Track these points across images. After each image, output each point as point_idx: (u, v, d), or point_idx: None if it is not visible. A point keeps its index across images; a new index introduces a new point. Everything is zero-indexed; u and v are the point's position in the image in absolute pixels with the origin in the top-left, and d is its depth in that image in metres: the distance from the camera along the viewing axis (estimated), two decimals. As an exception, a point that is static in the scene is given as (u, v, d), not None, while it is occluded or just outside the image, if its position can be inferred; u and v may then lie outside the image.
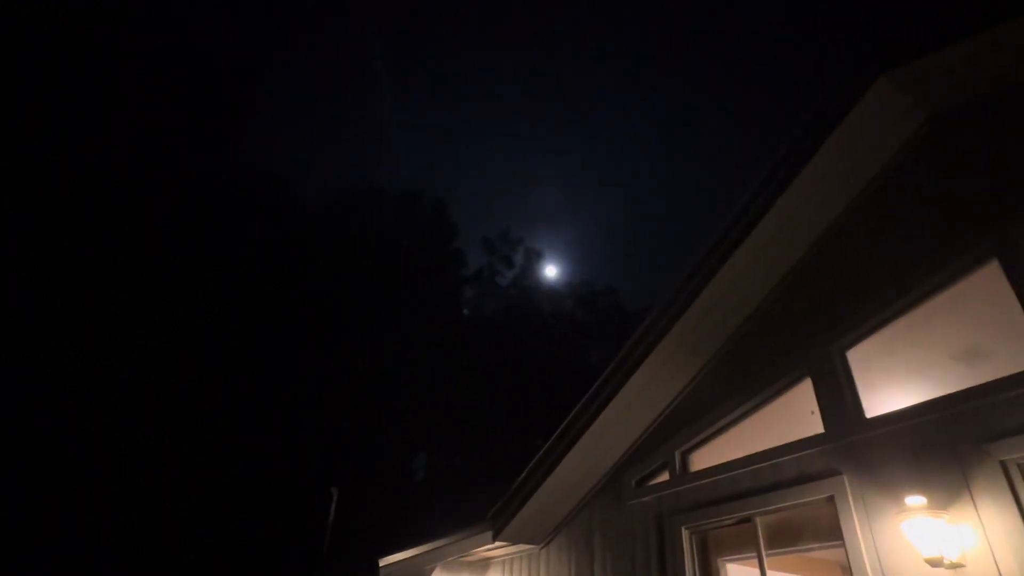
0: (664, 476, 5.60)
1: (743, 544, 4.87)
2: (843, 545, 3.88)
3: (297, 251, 28.70)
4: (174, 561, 19.44)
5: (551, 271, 42.02)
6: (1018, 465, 3.27)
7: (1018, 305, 3.54)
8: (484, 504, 6.70)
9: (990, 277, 3.78)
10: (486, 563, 7.42)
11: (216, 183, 27.15)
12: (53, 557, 17.99)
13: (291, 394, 25.19)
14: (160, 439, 20.77)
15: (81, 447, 19.55)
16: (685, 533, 5.07)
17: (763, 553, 4.46)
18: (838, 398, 4.31)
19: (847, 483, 4.02)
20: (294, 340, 26.30)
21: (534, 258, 40.51)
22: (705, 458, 5.37)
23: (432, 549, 7.04)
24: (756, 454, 4.75)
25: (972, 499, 3.37)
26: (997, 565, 3.17)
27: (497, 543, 6.53)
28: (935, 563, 3.30)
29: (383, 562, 7.25)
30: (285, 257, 27.87)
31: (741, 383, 5.15)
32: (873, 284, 4.39)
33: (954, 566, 3.28)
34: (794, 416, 4.73)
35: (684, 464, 5.49)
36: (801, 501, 4.29)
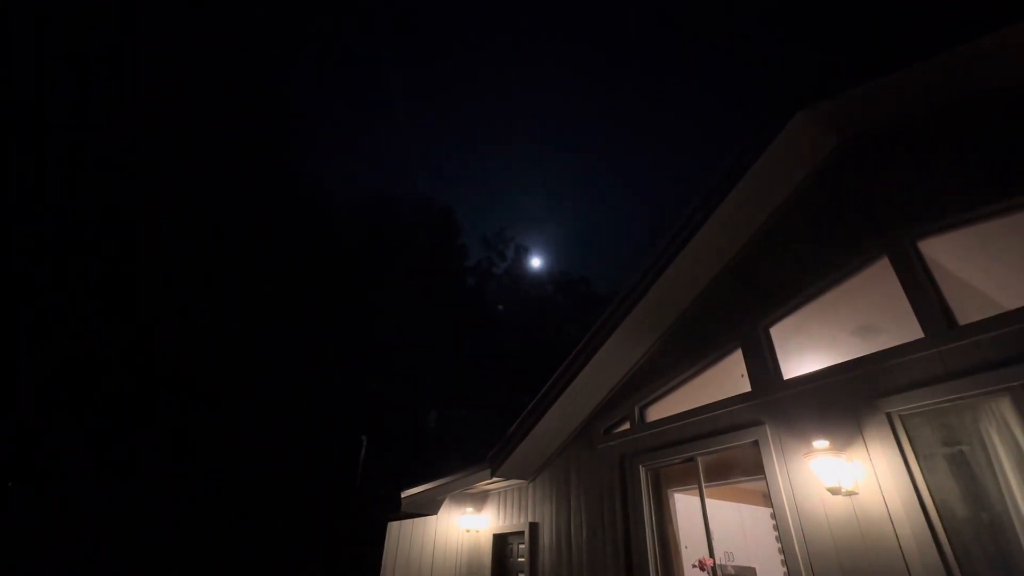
0: (626, 426, 5.67)
1: (688, 479, 4.99)
2: (764, 479, 3.99)
3: (336, 242, 28.67)
4: (236, 490, 19.43)
5: (536, 262, 42.00)
6: (899, 416, 3.37)
7: (902, 292, 3.62)
8: (484, 448, 6.77)
9: (882, 271, 3.85)
10: (485, 494, 7.52)
11: (276, 188, 26.98)
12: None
13: (327, 360, 25.19)
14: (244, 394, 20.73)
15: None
16: (642, 471, 5.17)
17: (703, 485, 4.57)
18: (762, 364, 4.39)
19: (768, 431, 4.11)
20: (333, 314, 26.26)
21: (523, 252, 40.51)
22: (658, 411, 5.44)
23: (442, 484, 7.10)
24: (698, 408, 4.83)
25: (864, 442, 3.47)
26: (882, 493, 3.29)
27: (494, 479, 6.61)
28: (834, 491, 3.42)
29: (404, 494, 7.32)
30: (327, 246, 27.82)
31: (687, 352, 5.22)
32: (789, 276, 4.45)
33: (849, 493, 3.40)
34: (728, 378, 4.80)
35: (642, 416, 5.57)
36: (733, 445, 4.38)
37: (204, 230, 22.66)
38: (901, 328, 3.61)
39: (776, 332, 4.50)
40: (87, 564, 15.35)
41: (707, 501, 4.48)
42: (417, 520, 7.55)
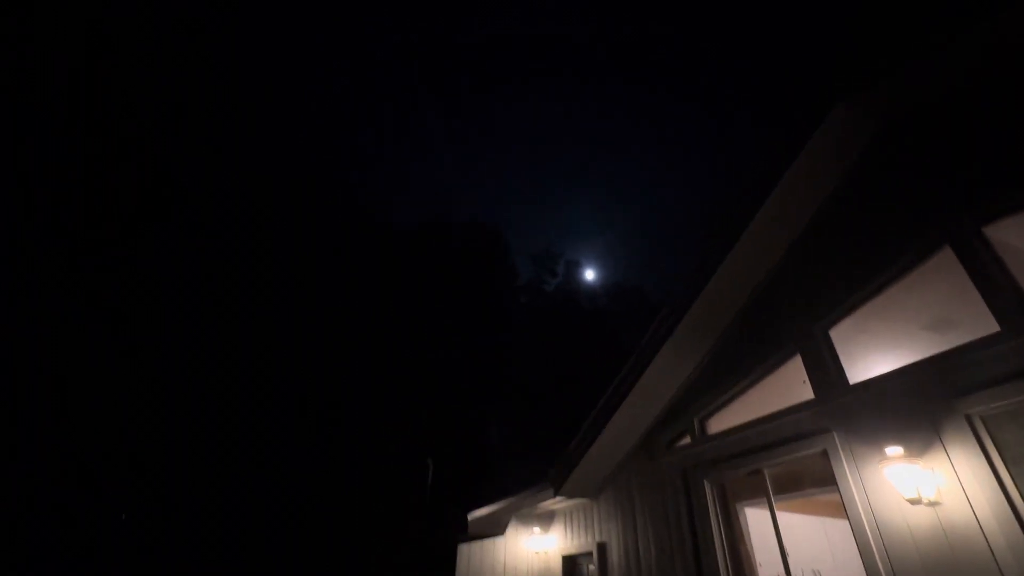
0: (687, 439, 5.55)
1: (756, 492, 4.80)
2: (838, 490, 3.81)
3: (394, 269, 30.15)
4: (305, 521, 20.28)
5: (589, 275, 41.67)
6: (980, 417, 3.14)
7: (970, 282, 3.40)
8: (546, 464, 6.78)
9: (946, 260, 3.63)
10: (551, 514, 7.50)
11: (336, 218, 29.02)
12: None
13: (393, 384, 26.11)
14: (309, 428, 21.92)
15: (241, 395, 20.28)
16: (707, 485, 5.03)
17: (771, 499, 4.39)
18: (824, 368, 4.21)
19: (837, 439, 3.92)
20: (396, 341, 27.36)
21: (572, 267, 40.38)
22: (719, 422, 5.29)
23: (507, 504, 7.18)
24: (760, 418, 4.67)
25: (944, 447, 3.25)
26: (969, 501, 3.06)
27: (558, 497, 6.61)
28: (915, 502, 3.22)
29: (471, 516, 7.46)
30: (386, 273, 29.29)
31: (743, 360, 5.07)
32: (843, 274, 4.27)
33: (931, 503, 3.19)
34: (790, 385, 4.61)
35: (702, 428, 5.44)
36: (800, 455, 4.21)
37: (272, 265, 24.52)
38: (976, 321, 3.38)
39: (836, 334, 4.31)
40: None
41: (786, 515, 4.33)
42: (486, 541, 7.65)
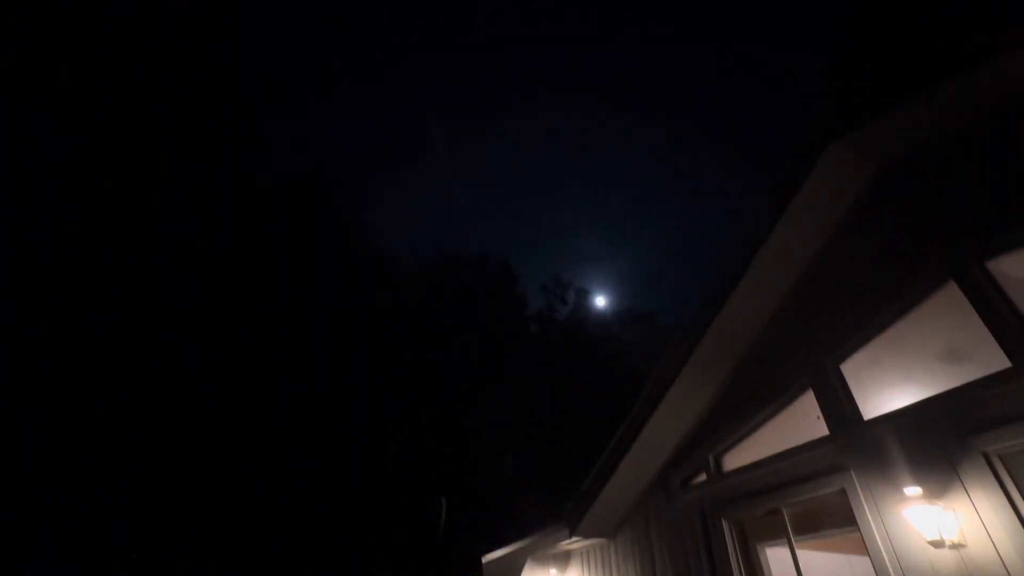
0: (703, 476, 5.47)
1: (777, 532, 4.69)
2: (859, 530, 3.73)
3: (403, 305, 30.30)
4: (313, 559, 19.82)
5: (600, 301, 41.53)
6: (998, 455, 3.10)
7: (977, 317, 3.40)
8: (562, 499, 6.68)
9: (951, 295, 3.65)
10: (568, 554, 7.35)
11: (342, 259, 29.45)
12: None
13: (401, 419, 25.94)
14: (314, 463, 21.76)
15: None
16: (725, 524, 4.94)
17: (792, 539, 4.30)
18: (837, 404, 4.18)
19: (855, 477, 3.86)
20: (405, 375, 27.33)
21: (583, 295, 40.32)
22: (735, 459, 5.22)
23: (522, 546, 7.06)
24: (776, 455, 4.61)
25: (964, 487, 3.20)
26: (994, 544, 2.99)
27: (574, 538, 6.49)
28: (937, 545, 3.15)
29: (485, 559, 7.33)
30: (395, 311, 29.44)
31: (755, 396, 5.04)
32: (852, 307, 4.28)
33: (955, 546, 3.12)
34: (803, 421, 4.57)
35: (718, 465, 5.36)
36: (819, 493, 4.13)
37: (279, 298, 24.86)
38: (986, 356, 3.36)
39: (848, 368, 4.29)
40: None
41: (809, 553, 4.20)
42: (501, 585, 7.49)
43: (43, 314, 19.13)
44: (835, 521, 4.16)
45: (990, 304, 3.35)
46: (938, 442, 3.40)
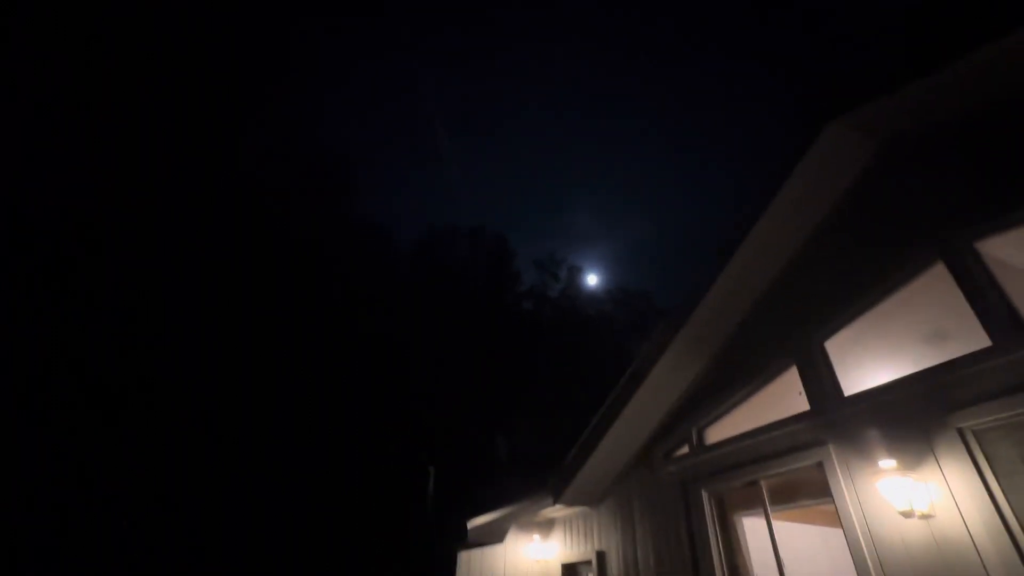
0: (685, 449, 5.56)
1: (754, 503, 4.81)
2: (833, 501, 3.83)
3: (396, 281, 30.26)
4: (306, 526, 20.19)
5: (592, 279, 41.54)
6: (972, 431, 3.16)
7: (963, 298, 3.42)
8: (548, 474, 6.80)
9: (940, 275, 3.66)
10: (551, 522, 7.52)
11: (341, 235, 29.32)
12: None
13: (396, 394, 26.18)
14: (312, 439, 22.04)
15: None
16: (705, 495, 5.06)
17: (768, 510, 4.41)
18: (819, 381, 4.24)
19: (832, 451, 3.95)
20: (399, 352, 27.45)
21: (576, 272, 40.30)
22: (717, 433, 5.31)
23: (506, 513, 7.21)
24: (757, 429, 4.69)
25: (937, 461, 3.27)
26: (962, 515, 3.08)
27: (557, 506, 6.63)
28: (907, 515, 3.25)
29: (470, 524, 7.50)
30: (388, 286, 29.39)
31: (741, 371, 5.10)
32: (840, 288, 4.29)
33: (924, 516, 3.21)
34: (785, 397, 4.64)
35: (701, 438, 5.45)
36: (796, 466, 4.23)
37: (275, 272, 24.74)
38: (969, 335, 3.40)
39: (832, 346, 4.34)
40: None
41: (785, 525, 4.33)
42: (486, 549, 7.68)
43: (43, 314, 18.98)
44: (811, 493, 4.27)
45: (977, 285, 3.37)
46: (915, 418, 3.47)
